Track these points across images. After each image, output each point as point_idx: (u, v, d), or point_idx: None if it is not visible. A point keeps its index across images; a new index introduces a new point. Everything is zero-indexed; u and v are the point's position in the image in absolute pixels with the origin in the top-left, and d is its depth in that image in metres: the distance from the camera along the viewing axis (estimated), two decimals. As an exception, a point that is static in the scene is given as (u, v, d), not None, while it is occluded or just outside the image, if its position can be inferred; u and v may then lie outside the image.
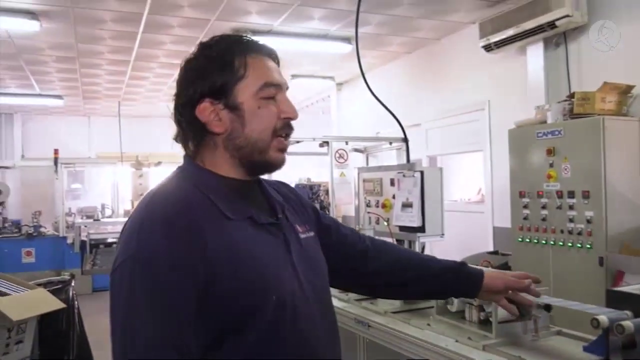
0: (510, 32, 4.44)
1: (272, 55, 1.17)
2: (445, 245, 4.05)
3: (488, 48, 4.72)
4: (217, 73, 1.09)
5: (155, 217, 1.01)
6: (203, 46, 1.13)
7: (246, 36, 1.16)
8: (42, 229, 7.62)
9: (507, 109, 4.76)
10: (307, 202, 1.35)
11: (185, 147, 1.15)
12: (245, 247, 1.04)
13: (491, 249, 4.71)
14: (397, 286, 1.44)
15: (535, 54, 4.43)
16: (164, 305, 0.95)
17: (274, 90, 1.11)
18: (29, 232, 7.47)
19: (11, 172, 9.14)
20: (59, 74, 7.01)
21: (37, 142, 9.80)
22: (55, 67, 6.65)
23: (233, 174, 1.13)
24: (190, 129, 1.11)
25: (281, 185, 1.32)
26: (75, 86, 7.73)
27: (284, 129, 1.12)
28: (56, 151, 7.51)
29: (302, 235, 1.18)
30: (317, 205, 4.44)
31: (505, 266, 3.79)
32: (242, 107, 1.09)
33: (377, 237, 1.58)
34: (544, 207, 3.64)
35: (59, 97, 8.37)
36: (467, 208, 5.60)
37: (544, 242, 3.65)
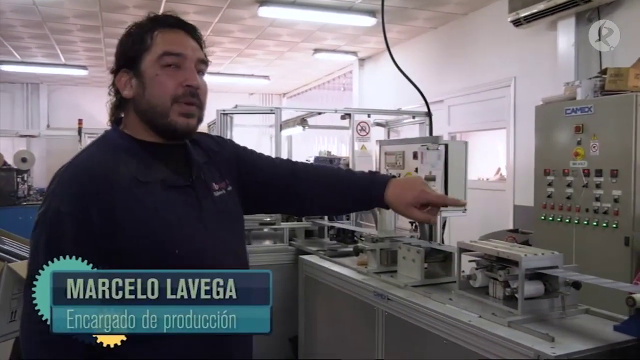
0: (541, 6, 4.32)
1: (189, 30, 1.26)
2: (467, 221, 4.01)
3: (517, 23, 4.61)
4: (131, 46, 1.23)
5: (67, 180, 1.15)
6: (131, 25, 1.26)
7: (169, 13, 1.28)
8: (65, 198, 7.74)
9: (534, 86, 4.66)
10: (232, 150, 1.42)
11: (111, 113, 1.29)
12: (153, 208, 1.16)
13: (511, 227, 4.65)
14: (324, 205, 1.51)
15: (566, 29, 4.31)
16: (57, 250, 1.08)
17: (174, 59, 1.21)
18: (53, 200, 7.61)
19: (36, 141, 9.23)
20: (84, 43, 7.04)
21: (63, 112, 9.93)
22: (80, 36, 6.67)
23: (149, 137, 1.24)
24: (114, 95, 1.26)
25: (207, 139, 1.39)
26: (99, 56, 7.76)
27: (185, 96, 1.21)
28: (80, 121, 7.66)
29: (217, 193, 1.29)
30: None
31: (527, 244, 3.75)
32: (144, 74, 1.21)
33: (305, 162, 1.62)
34: (569, 186, 3.57)
35: (83, 67, 8.44)
36: (489, 186, 5.53)
37: (567, 220, 3.59)
